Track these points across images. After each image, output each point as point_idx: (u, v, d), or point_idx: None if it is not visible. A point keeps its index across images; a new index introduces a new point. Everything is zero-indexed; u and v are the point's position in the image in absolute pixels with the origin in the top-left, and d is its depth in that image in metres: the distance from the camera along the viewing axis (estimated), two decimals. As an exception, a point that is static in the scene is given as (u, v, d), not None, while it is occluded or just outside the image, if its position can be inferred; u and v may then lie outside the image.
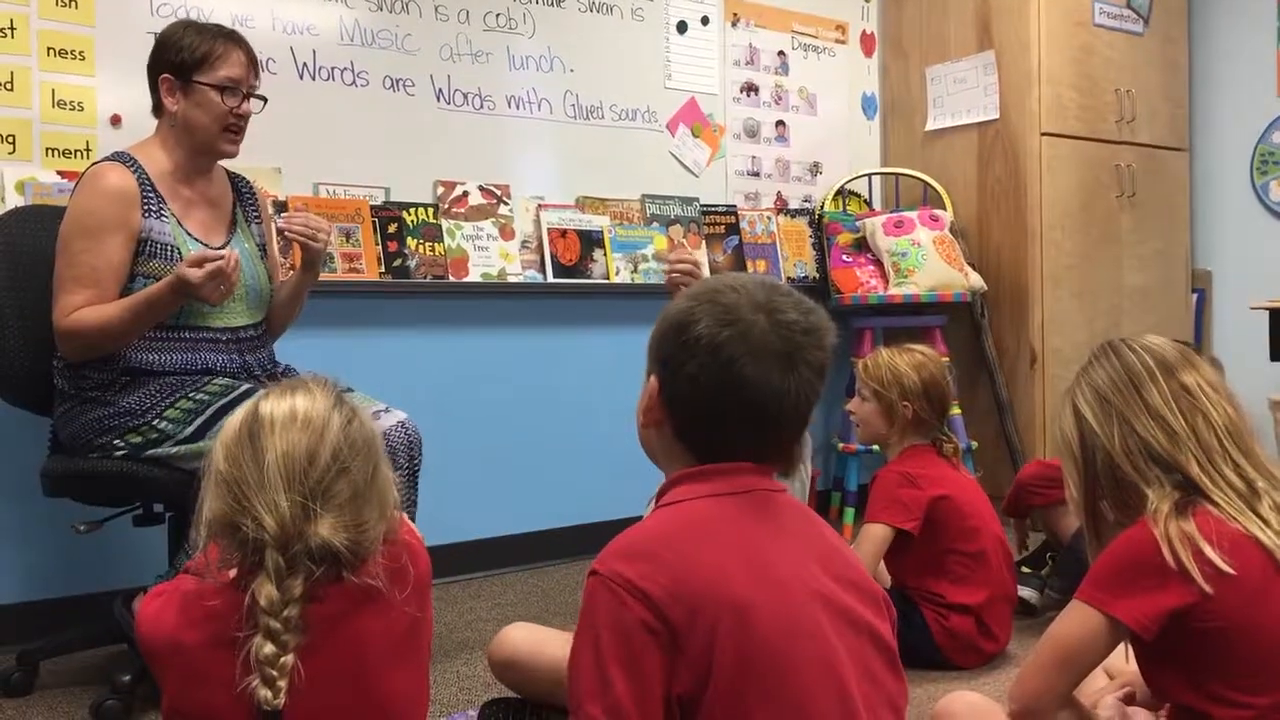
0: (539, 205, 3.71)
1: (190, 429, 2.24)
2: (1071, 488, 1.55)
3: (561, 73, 3.77)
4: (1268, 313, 3.31)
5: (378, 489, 1.35)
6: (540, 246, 3.68)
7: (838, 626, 1.21)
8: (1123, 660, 1.57)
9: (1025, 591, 2.88)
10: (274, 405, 1.33)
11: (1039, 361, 4.20)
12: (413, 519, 2.36)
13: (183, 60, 2.34)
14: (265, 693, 1.23)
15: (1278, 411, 3.97)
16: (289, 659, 1.24)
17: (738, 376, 1.22)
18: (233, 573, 1.30)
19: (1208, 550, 1.37)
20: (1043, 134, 4.19)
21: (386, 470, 1.39)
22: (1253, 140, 4.60)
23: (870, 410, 2.72)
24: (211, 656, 1.27)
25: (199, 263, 2.16)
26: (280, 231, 2.52)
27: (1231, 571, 1.36)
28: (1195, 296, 4.72)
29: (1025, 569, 3.01)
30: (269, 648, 1.23)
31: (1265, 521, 1.40)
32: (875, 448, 4.17)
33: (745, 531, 1.23)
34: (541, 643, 1.89)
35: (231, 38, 2.40)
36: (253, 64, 2.43)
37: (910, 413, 2.65)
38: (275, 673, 1.23)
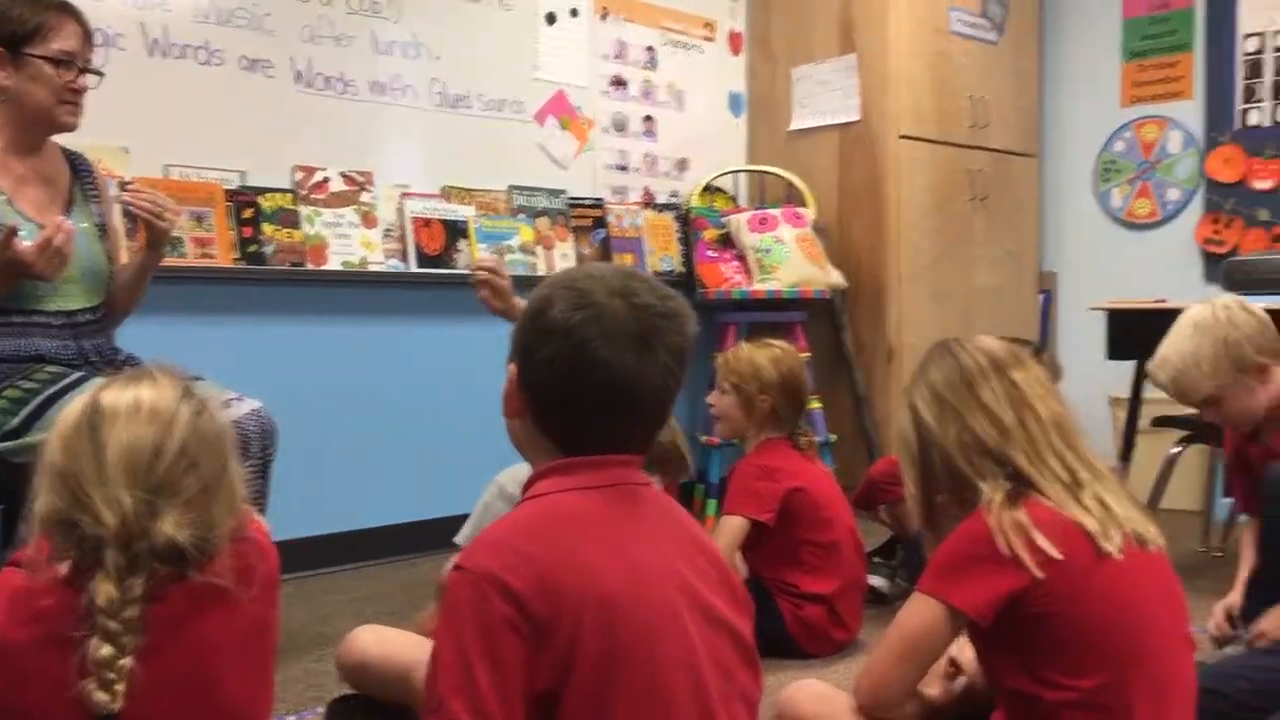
0: (403, 193, 3.65)
1: (16, 420, 2.13)
2: (909, 483, 1.60)
3: (428, 60, 3.72)
4: (1105, 314, 3.47)
5: (226, 485, 1.31)
6: (403, 235, 3.62)
7: (697, 622, 1.22)
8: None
9: (876, 580, 2.97)
10: (116, 396, 1.28)
11: (896, 358, 4.32)
12: (263, 512, 2.30)
13: (13, 32, 2.23)
14: (102, 696, 1.18)
15: (1116, 408, 4.17)
16: (127, 661, 1.19)
17: (592, 359, 1.22)
18: (64, 569, 1.24)
19: (1038, 538, 1.43)
20: (900, 137, 4.31)
21: (236, 465, 1.34)
22: (1097, 149, 4.81)
23: (729, 403, 2.75)
24: (41, 657, 1.21)
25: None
26: (126, 210, 2.42)
27: (1059, 557, 1.42)
28: (1042, 297, 4.92)
29: (876, 559, 3.10)
30: (106, 650, 1.18)
31: (1087, 510, 1.46)
32: (737, 441, 4.25)
33: (611, 526, 1.23)
34: (392, 645, 1.85)
35: (65, 9, 2.29)
36: (88, 37, 2.32)
37: (768, 406, 2.69)
38: (113, 675, 1.18)
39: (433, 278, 3.67)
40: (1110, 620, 1.43)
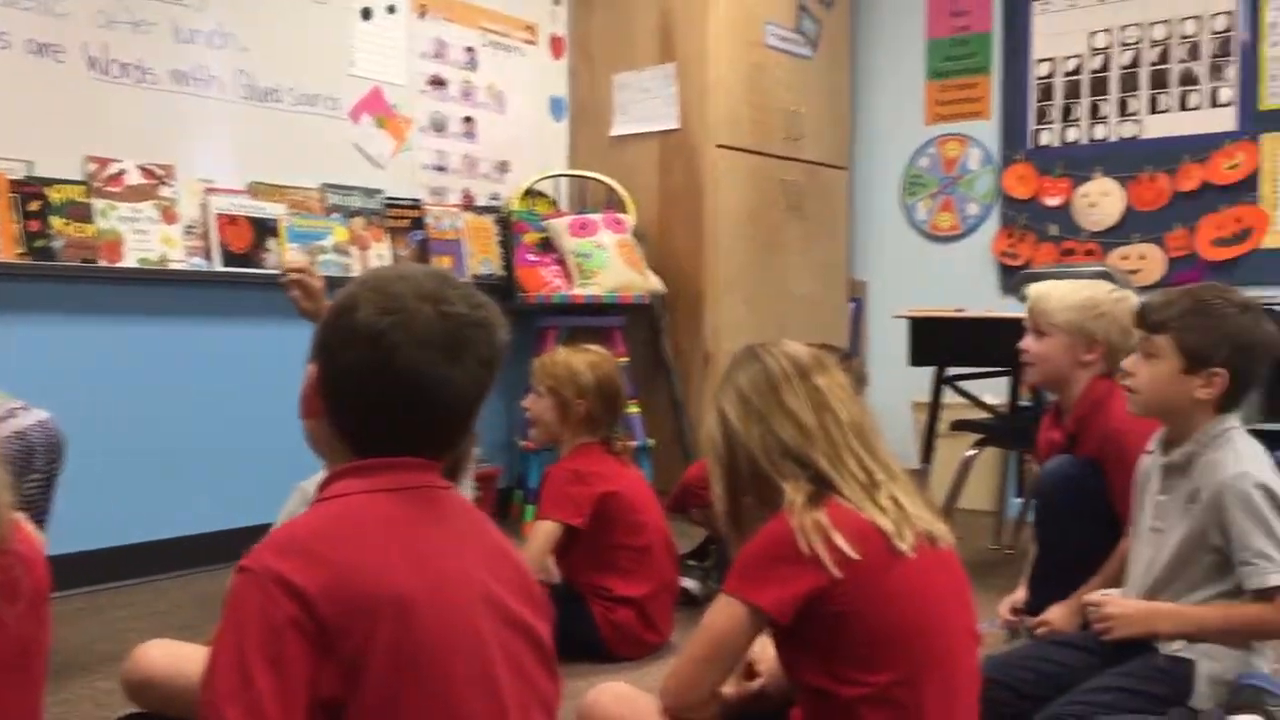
0: (207, 189, 3.50)
1: None
2: (716, 485, 1.63)
3: (235, 50, 3.58)
4: (908, 321, 3.61)
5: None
6: (207, 233, 3.47)
7: (495, 626, 1.20)
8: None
9: (689, 583, 3.01)
10: None
11: (712, 363, 4.39)
12: (45, 525, 2.17)
13: None
14: None
15: (919, 413, 4.35)
16: None
17: (397, 366, 1.18)
18: None
19: (837, 538, 1.47)
20: (718, 146, 4.39)
21: (1, 474, 1.25)
22: (903, 163, 5.01)
23: (545, 407, 2.75)
24: None
25: None
26: None
27: (857, 557, 1.47)
28: (853, 305, 5.09)
29: (690, 561, 3.14)
30: None
31: (883, 510, 1.52)
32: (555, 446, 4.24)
33: (408, 529, 1.19)
34: (181, 660, 1.76)
35: None
36: None
37: (584, 410, 2.70)
38: None
39: (239, 277, 3.53)
40: (903, 617, 1.49)
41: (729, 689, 1.67)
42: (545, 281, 4.25)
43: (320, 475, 2.02)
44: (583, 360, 2.73)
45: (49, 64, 3.15)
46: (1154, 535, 2.00)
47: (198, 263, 3.44)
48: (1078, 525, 2.43)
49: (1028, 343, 2.54)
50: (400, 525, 1.19)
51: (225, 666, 1.07)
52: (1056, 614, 2.35)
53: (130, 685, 1.81)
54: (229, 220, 3.52)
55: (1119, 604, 1.97)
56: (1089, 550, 2.39)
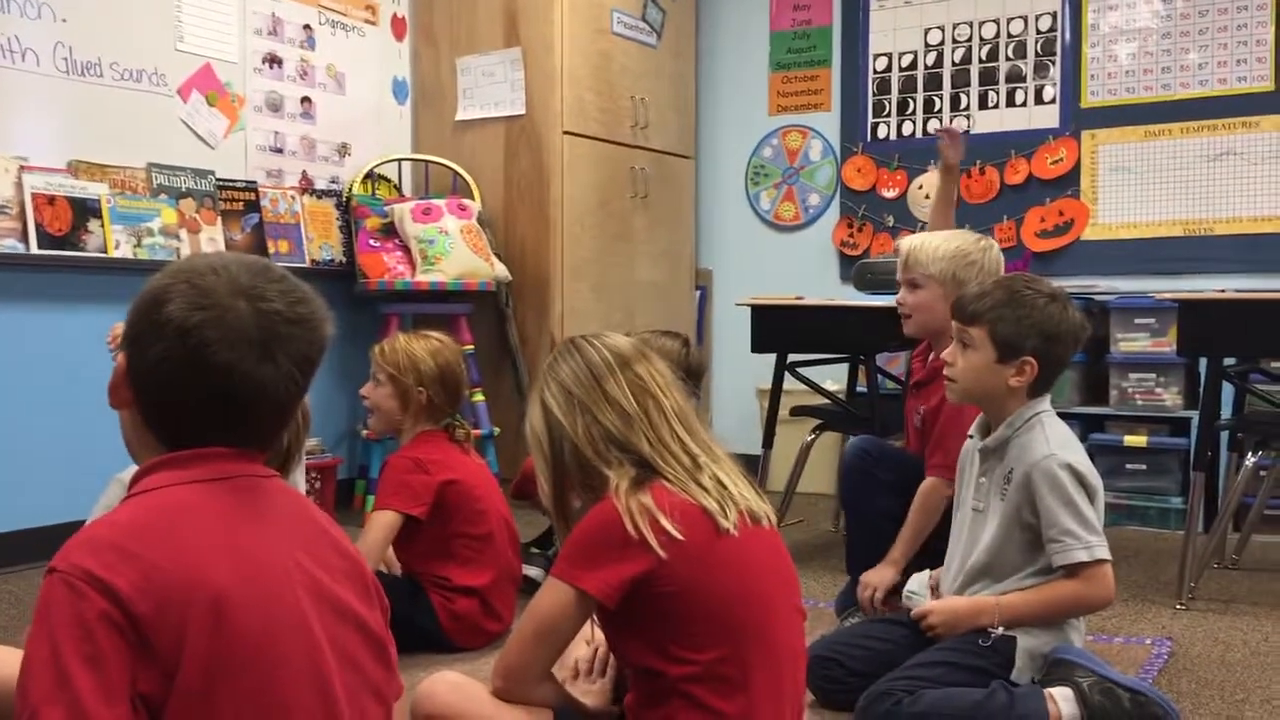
0: (21, 167, 3.30)
1: None
2: (541, 476, 1.64)
3: (51, 21, 3.39)
4: (750, 309, 3.66)
5: None
6: (23, 213, 3.28)
7: (324, 616, 1.17)
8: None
9: (532, 571, 2.99)
10: None
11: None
12: None
13: None
14: None
15: (763, 399, 4.42)
16: None
17: (207, 363, 1.14)
18: None
19: (663, 520, 1.49)
20: (564, 132, 4.37)
21: None
22: (747, 153, 5.09)
23: (384, 395, 2.68)
24: None
25: None
26: None
27: (682, 538, 1.48)
28: (698, 293, 5.15)
29: (534, 549, 3.13)
30: None
31: (706, 490, 1.54)
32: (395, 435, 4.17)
33: (225, 520, 1.15)
34: None
35: None
36: None
37: (425, 398, 2.65)
38: None
39: (58, 260, 3.35)
40: (728, 594, 1.51)
41: (592, 702, 1.68)
42: (388, 268, 4.17)
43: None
44: (424, 347, 2.67)
45: None
46: (975, 515, 2.09)
47: (13, 245, 3.25)
48: (881, 494, 2.60)
49: (903, 296, 2.64)
50: (217, 517, 1.15)
51: (40, 669, 1.02)
52: (874, 577, 2.47)
53: None
54: (47, 200, 3.34)
55: (942, 607, 2.04)
56: (892, 515, 2.55)
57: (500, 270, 4.29)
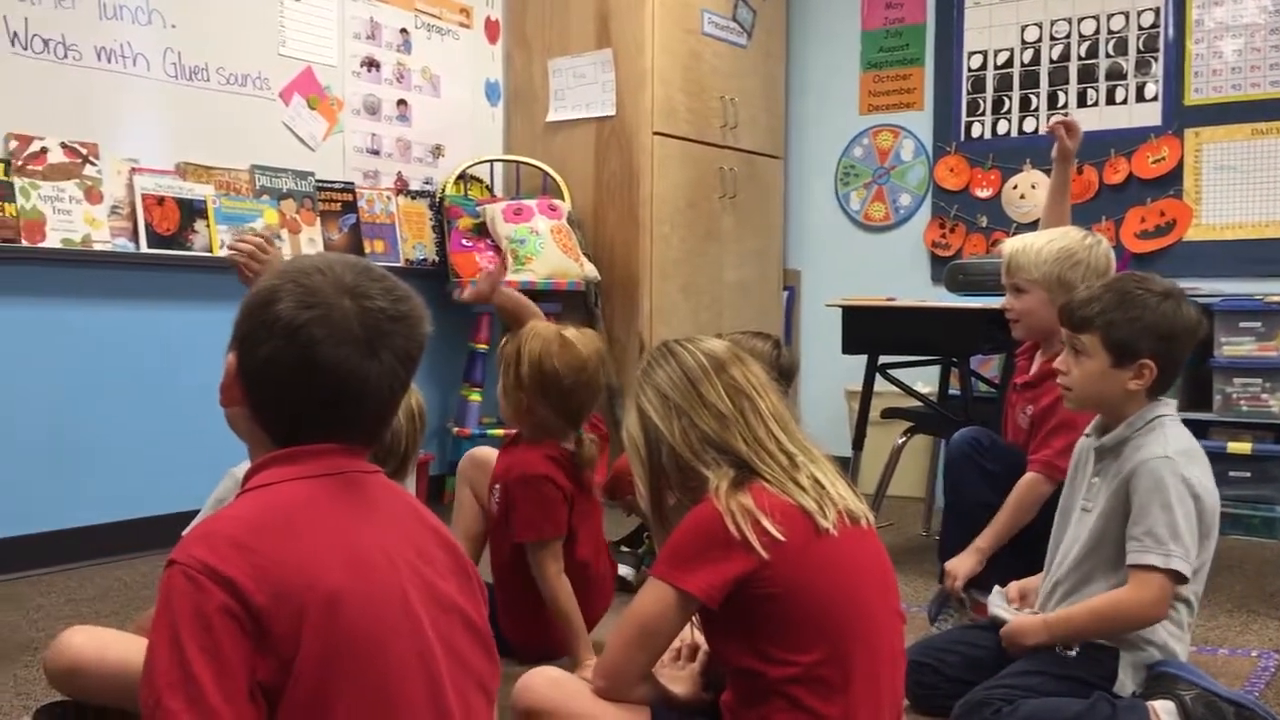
0: (133, 168, 3.42)
1: None
2: (639, 481, 1.65)
3: (161, 28, 3.50)
4: (840, 310, 3.64)
5: None
6: (134, 213, 3.40)
7: (430, 609, 1.20)
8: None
9: (623, 569, 3.00)
10: None
11: (648, 351, 4.39)
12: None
13: None
14: None
15: (852, 400, 4.39)
16: None
17: (315, 360, 1.18)
18: None
19: (764, 520, 1.49)
20: (654, 133, 4.38)
21: None
22: (837, 153, 5.05)
23: (499, 391, 2.43)
24: None
25: None
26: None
27: (783, 539, 1.48)
28: (786, 294, 5.12)
29: (624, 547, 3.15)
30: None
31: (804, 490, 1.54)
32: (492, 432, 4.23)
33: (335, 514, 1.19)
34: (105, 646, 1.74)
35: None
36: None
37: (525, 404, 2.39)
38: None
39: (166, 259, 3.46)
40: (828, 595, 1.51)
41: (681, 689, 1.68)
42: (479, 267, 4.22)
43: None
44: (534, 344, 2.38)
45: (-34, 37, 3.06)
46: (1082, 515, 2.04)
47: (123, 244, 3.36)
48: (984, 484, 2.56)
49: (1008, 301, 2.60)
50: (327, 512, 1.18)
51: (163, 659, 1.06)
52: (957, 564, 2.45)
53: (54, 673, 1.78)
54: (156, 201, 3.45)
55: (1005, 630, 2.02)
56: (991, 507, 2.52)
57: (589, 270, 4.32)
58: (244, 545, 1.11)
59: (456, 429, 4.20)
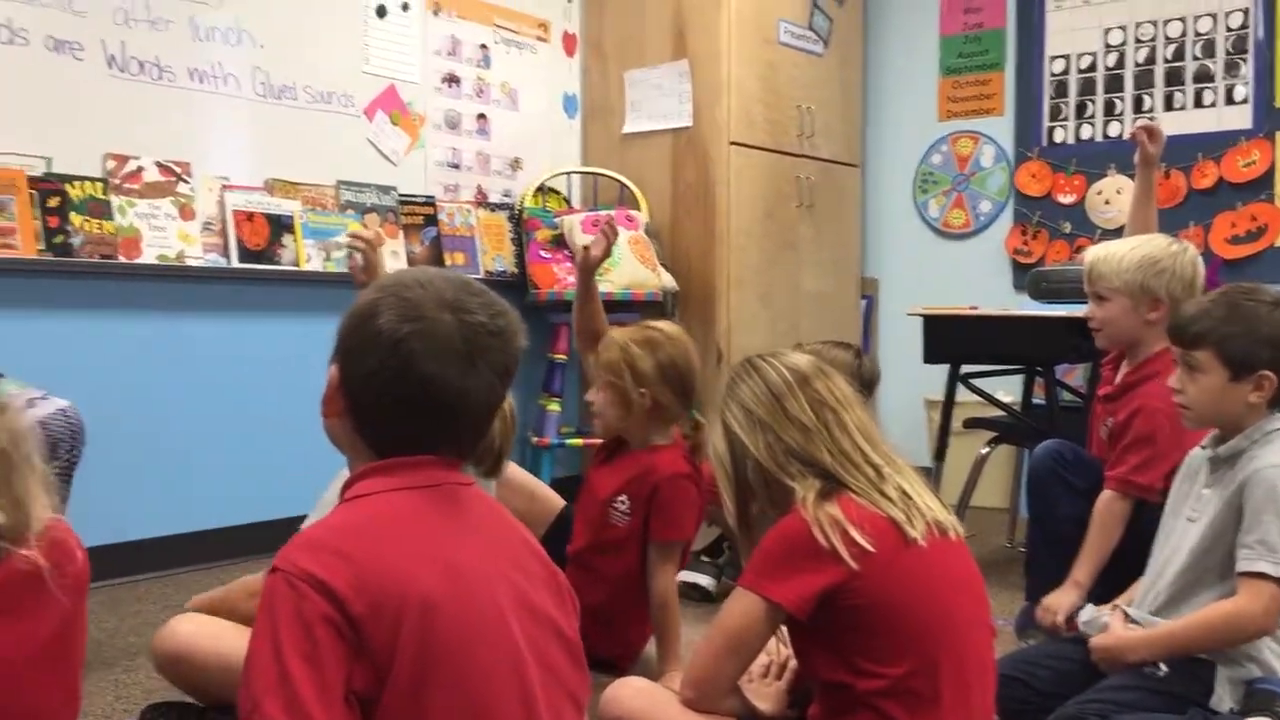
0: (224, 185, 3.52)
1: None
2: (725, 495, 1.66)
3: (251, 48, 3.59)
4: (921, 319, 3.61)
5: (32, 474, 1.25)
6: (224, 229, 3.49)
7: (523, 621, 1.22)
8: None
9: (702, 579, 3.01)
10: None
11: (725, 361, 4.40)
12: (63, 514, 2.19)
13: None
14: None
15: (931, 410, 4.35)
16: None
17: (416, 373, 1.21)
18: None
19: (852, 531, 1.49)
20: (731, 143, 4.39)
21: (40, 462, 1.28)
22: (915, 160, 5.01)
23: (604, 400, 2.47)
24: None
25: None
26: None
27: (872, 549, 1.48)
28: (864, 303, 5.09)
29: (704, 558, 3.15)
30: None
31: (891, 500, 1.54)
32: (571, 441, 4.26)
33: (432, 526, 1.22)
34: (213, 636, 1.81)
35: None
36: None
37: (648, 400, 2.42)
38: None
39: (256, 273, 3.55)
40: (918, 606, 1.50)
41: (767, 706, 1.69)
42: (558, 278, 4.26)
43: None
44: (641, 342, 2.42)
45: (67, 61, 3.17)
46: (1186, 525, 1.99)
47: (215, 259, 3.46)
48: (1070, 500, 2.51)
49: (1091, 309, 2.55)
50: (424, 523, 1.21)
51: (263, 663, 1.09)
52: (1056, 600, 2.39)
53: (162, 657, 1.85)
54: (246, 217, 3.54)
55: (1097, 644, 1.97)
56: (1082, 522, 2.45)
57: (667, 280, 4.34)
58: (344, 554, 1.13)
59: (536, 439, 4.24)
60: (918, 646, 1.48)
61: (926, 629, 1.50)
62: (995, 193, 4.82)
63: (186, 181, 3.41)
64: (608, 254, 2.77)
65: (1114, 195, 4.48)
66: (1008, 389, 4.00)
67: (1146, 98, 4.45)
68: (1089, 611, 2.12)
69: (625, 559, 2.43)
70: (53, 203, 3.09)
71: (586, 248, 2.72)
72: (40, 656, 1.24)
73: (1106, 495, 2.43)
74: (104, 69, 3.25)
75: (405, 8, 4.07)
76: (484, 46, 4.37)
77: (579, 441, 4.30)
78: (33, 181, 3.06)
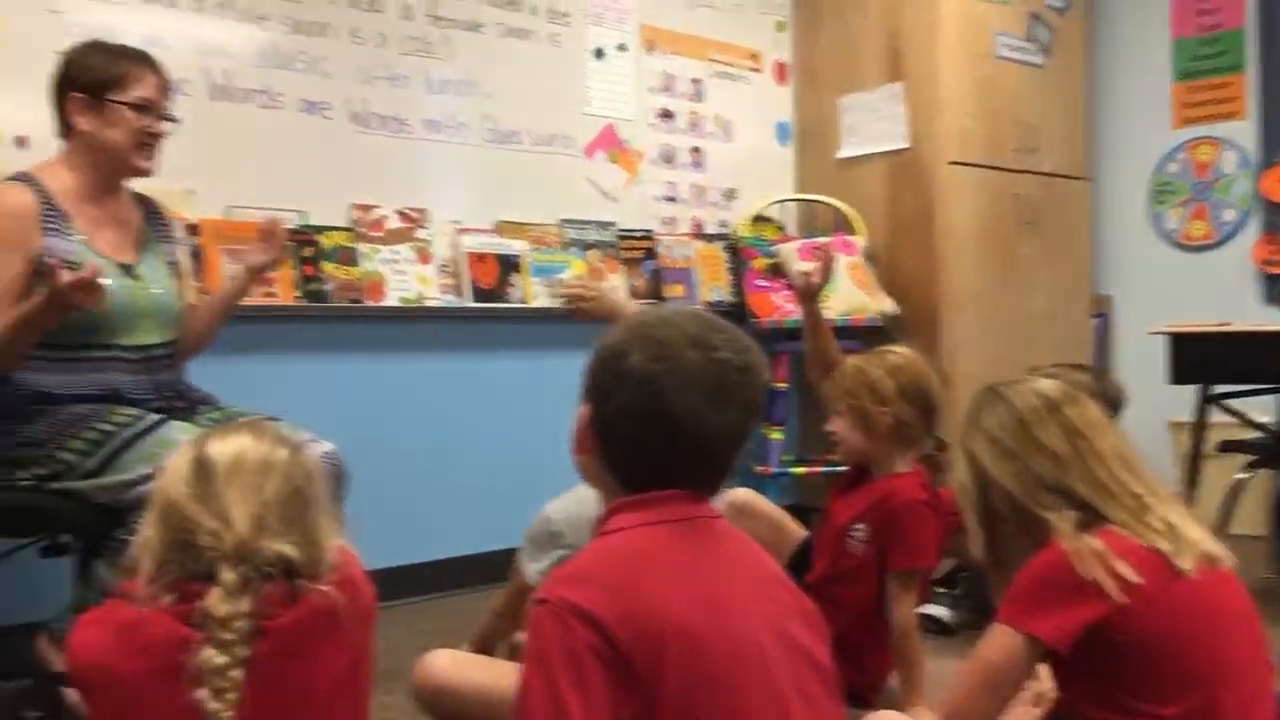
0: (458, 229, 3.69)
1: (94, 462, 2.17)
2: (973, 527, 1.61)
3: (479, 97, 3.77)
4: (1167, 337, 3.42)
5: (326, 512, 1.37)
6: (458, 270, 3.66)
7: (780, 651, 1.23)
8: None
9: (939, 610, 2.94)
10: (221, 441, 1.35)
11: (950, 385, 4.28)
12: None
13: (95, 79, 2.30)
14: (215, 705, 1.21)
15: (1176, 433, 4.11)
16: (238, 672, 1.23)
17: (667, 410, 1.24)
18: (171, 599, 1.27)
19: (1116, 564, 1.43)
20: (949, 163, 4.30)
21: (328, 499, 1.40)
22: (1149, 171, 4.77)
23: (844, 425, 2.43)
24: (151, 687, 1.24)
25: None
26: (193, 252, 2.49)
27: (1139, 581, 1.42)
28: (1097, 321, 4.87)
29: (940, 589, 3.07)
30: (220, 658, 1.22)
31: (1157, 532, 1.47)
32: (794, 470, 4.24)
33: (686, 559, 1.24)
34: (468, 669, 1.89)
35: (144, 60, 2.38)
36: (165, 87, 2.40)
37: (890, 419, 2.37)
38: (225, 684, 1.22)
39: (488, 312, 3.70)
40: (1192, 642, 1.43)
41: None
42: (776, 307, 4.26)
43: (564, 500, 2.16)
44: (878, 364, 2.41)
45: (318, 120, 3.41)
46: None
47: (450, 299, 3.63)
48: None
49: None
50: (678, 556, 1.23)
51: (537, 695, 1.13)
52: None
53: (423, 692, 1.94)
54: (478, 258, 3.70)
55: None
56: None
57: (887, 305, 4.27)
58: (605, 586, 1.17)
59: (759, 467, 4.24)
60: (1194, 685, 1.41)
61: (1203, 666, 1.42)
62: (1239, 200, 4.53)
63: (424, 227, 3.60)
64: (828, 280, 2.76)
65: (1377, 197, 4.14)
66: (1261, 409, 3.75)
67: None
68: None
69: (862, 587, 2.39)
70: (307, 252, 3.32)
71: (808, 273, 2.70)
72: (335, 689, 1.32)
73: None
74: (349, 125, 3.47)
75: (622, 48, 4.18)
76: (697, 81, 4.43)
77: (801, 470, 4.27)
78: (290, 234, 3.29)
